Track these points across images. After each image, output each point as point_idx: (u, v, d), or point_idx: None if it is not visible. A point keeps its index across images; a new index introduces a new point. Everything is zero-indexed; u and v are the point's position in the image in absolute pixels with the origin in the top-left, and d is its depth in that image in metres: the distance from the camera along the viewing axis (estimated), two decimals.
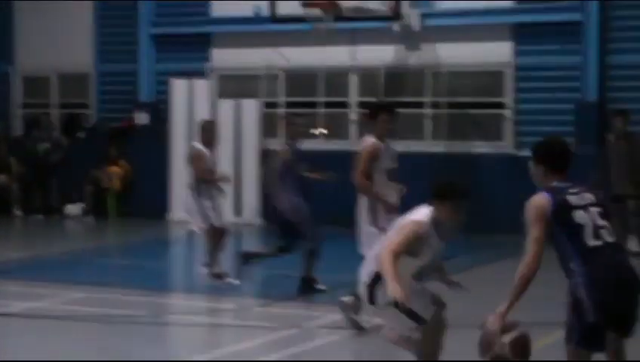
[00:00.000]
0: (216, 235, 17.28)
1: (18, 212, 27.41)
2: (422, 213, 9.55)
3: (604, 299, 8.22)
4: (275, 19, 23.97)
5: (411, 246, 9.29)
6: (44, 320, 13.83)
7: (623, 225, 20.43)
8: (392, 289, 8.83)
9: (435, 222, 9.48)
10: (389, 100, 18.18)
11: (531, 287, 8.09)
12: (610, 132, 21.17)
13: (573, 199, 8.53)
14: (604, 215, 8.45)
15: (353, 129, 25.64)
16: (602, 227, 8.39)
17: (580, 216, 8.41)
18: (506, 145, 24.15)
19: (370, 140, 13.91)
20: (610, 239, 8.38)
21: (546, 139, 9.36)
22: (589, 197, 8.56)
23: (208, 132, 17.51)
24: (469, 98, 24.63)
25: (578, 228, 8.37)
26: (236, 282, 16.71)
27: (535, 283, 8.12)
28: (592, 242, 8.32)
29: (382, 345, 12.14)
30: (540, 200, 8.52)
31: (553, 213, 8.46)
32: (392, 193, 14.08)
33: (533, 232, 8.34)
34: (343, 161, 24.24)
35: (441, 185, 9.82)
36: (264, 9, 24.46)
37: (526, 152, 22.79)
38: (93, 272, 18.10)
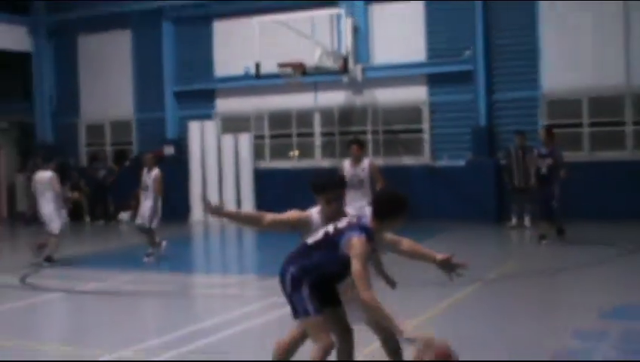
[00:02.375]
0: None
1: (87, 219, 27.56)
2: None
3: None
4: (259, 76, 23.32)
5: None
6: (107, 296, 13.84)
7: (521, 208, 21.53)
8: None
9: (324, 216, 7.25)
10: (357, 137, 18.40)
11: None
12: (512, 146, 21.55)
13: None
14: None
15: (318, 152, 25.72)
16: None
17: None
18: (425, 159, 24.15)
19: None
20: None
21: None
22: None
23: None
24: (398, 126, 24.56)
25: None
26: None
27: None
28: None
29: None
30: None
31: None
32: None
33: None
34: (309, 174, 24.95)
35: (316, 178, 7.58)
36: (251, 68, 23.64)
37: (440, 163, 23.51)
38: (138, 262, 17.40)
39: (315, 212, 7.41)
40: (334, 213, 7.21)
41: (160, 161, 22.30)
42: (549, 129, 19.27)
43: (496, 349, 9.30)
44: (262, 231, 7.20)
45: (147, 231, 17.59)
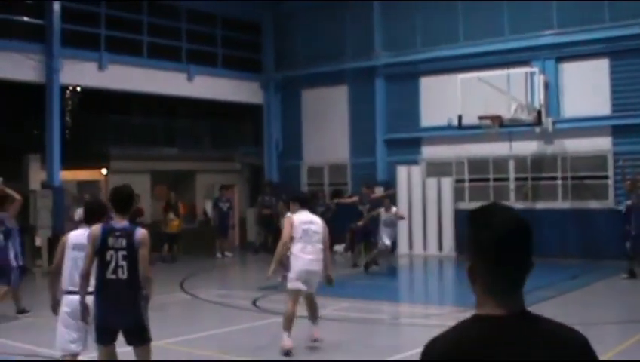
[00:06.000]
0: None
1: None
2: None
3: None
4: (461, 126, 23.77)
5: None
6: (324, 321, 12.96)
7: None
8: None
9: None
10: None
11: None
12: None
13: (111, 240, 7.43)
14: (126, 257, 7.38)
15: (512, 195, 25.76)
16: (120, 266, 7.36)
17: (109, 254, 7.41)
18: (609, 203, 24.25)
19: None
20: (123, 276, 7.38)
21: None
22: (121, 241, 7.40)
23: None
24: (585, 173, 24.72)
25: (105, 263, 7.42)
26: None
27: None
28: (110, 275, 7.41)
29: None
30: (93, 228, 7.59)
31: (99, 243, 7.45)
32: None
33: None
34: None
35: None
36: (454, 120, 24.04)
37: (622, 207, 23.56)
38: (353, 289, 17.87)
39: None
40: None
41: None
42: None
43: None
44: None
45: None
